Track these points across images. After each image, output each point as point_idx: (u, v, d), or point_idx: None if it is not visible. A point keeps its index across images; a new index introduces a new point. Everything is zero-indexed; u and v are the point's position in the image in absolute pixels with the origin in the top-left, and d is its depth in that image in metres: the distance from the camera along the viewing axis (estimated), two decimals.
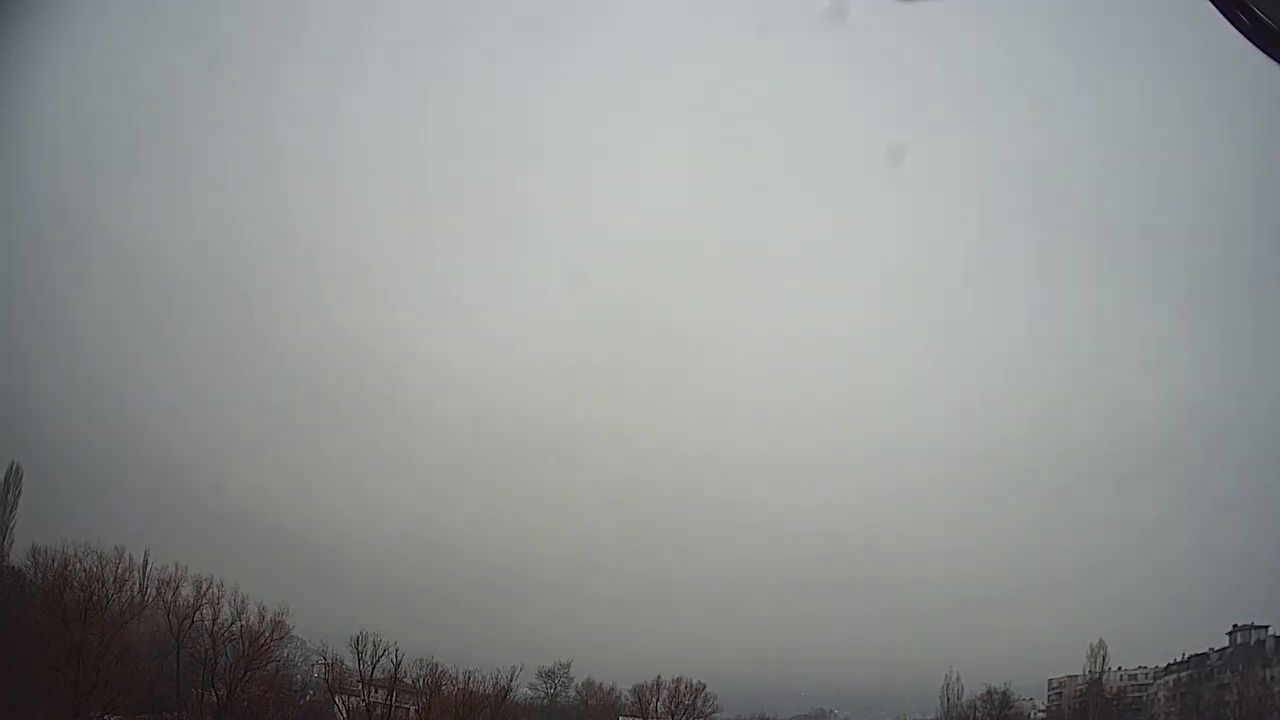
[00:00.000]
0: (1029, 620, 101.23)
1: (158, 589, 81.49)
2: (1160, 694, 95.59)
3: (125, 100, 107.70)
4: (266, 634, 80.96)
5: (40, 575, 78.57)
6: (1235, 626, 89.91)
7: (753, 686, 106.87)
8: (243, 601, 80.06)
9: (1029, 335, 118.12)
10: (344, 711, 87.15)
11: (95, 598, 74.63)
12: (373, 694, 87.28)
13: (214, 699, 78.89)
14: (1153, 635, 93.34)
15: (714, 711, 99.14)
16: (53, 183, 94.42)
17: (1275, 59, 4.36)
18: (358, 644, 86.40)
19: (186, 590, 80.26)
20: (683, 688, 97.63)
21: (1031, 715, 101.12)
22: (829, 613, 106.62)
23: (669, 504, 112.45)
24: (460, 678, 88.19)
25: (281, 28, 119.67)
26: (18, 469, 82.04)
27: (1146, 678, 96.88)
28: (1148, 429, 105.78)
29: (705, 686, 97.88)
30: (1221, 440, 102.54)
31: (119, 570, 77.91)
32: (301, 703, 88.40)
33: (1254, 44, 4.36)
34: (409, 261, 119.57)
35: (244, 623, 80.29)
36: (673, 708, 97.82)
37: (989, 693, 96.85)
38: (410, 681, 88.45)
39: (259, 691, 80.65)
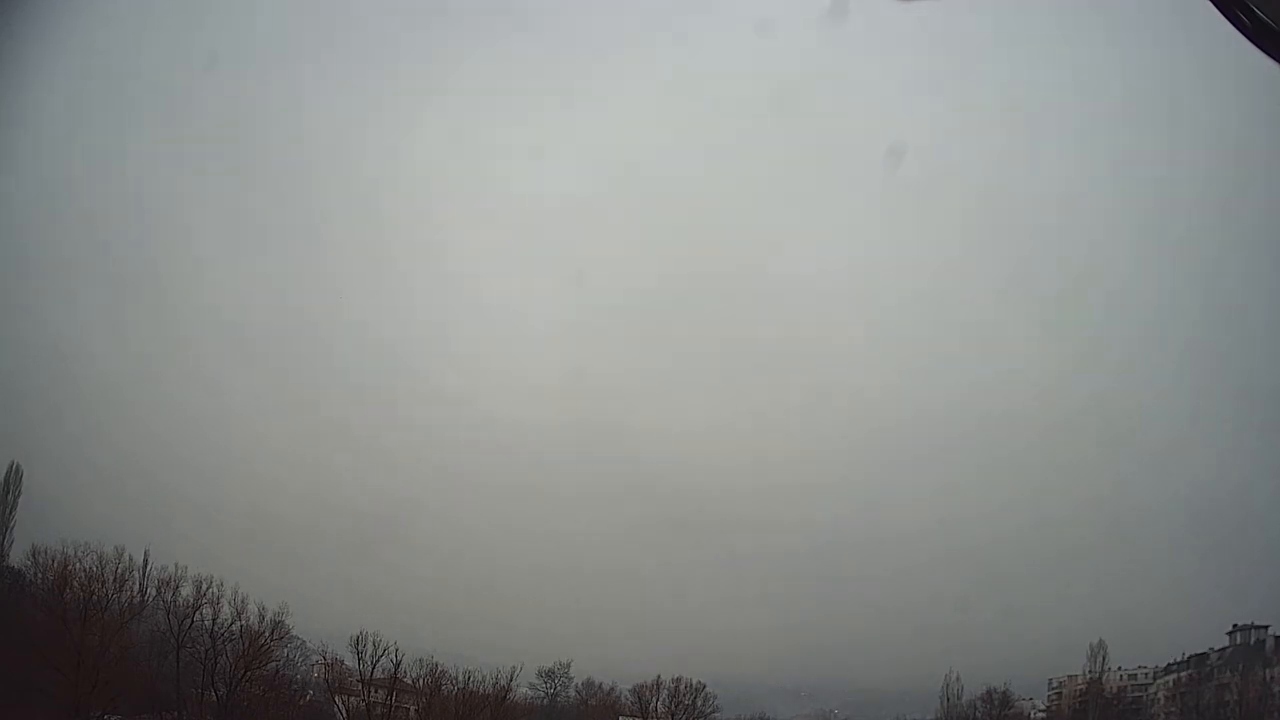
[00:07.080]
0: (1029, 620, 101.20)
1: (158, 589, 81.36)
2: (1160, 694, 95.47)
3: (123, 99, 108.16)
4: (266, 634, 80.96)
5: (40, 575, 78.35)
6: (1235, 626, 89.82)
7: (753, 686, 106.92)
8: (243, 601, 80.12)
9: (1032, 336, 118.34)
10: (344, 711, 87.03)
11: (95, 598, 74.43)
12: (373, 694, 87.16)
13: (214, 699, 78.79)
14: (1153, 635, 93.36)
15: (714, 711, 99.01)
16: (51, 186, 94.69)
17: (1275, 59, 4.35)
18: (358, 644, 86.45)
19: (186, 590, 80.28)
20: (683, 688, 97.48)
21: (1031, 715, 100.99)
22: (829, 612, 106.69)
23: (669, 505, 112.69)
24: (460, 678, 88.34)
25: (281, 31, 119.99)
26: (18, 469, 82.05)
27: (1146, 678, 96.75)
28: (1150, 429, 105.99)
29: (705, 686, 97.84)
30: (1223, 440, 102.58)
31: (119, 570, 77.64)
32: (301, 703, 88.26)
33: (1254, 44, 4.35)
34: (402, 254, 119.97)
35: (244, 623, 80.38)
36: (673, 708, 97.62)
37: (989, 693, 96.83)
38: (410, 681, 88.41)
39: (259, 691, 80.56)
